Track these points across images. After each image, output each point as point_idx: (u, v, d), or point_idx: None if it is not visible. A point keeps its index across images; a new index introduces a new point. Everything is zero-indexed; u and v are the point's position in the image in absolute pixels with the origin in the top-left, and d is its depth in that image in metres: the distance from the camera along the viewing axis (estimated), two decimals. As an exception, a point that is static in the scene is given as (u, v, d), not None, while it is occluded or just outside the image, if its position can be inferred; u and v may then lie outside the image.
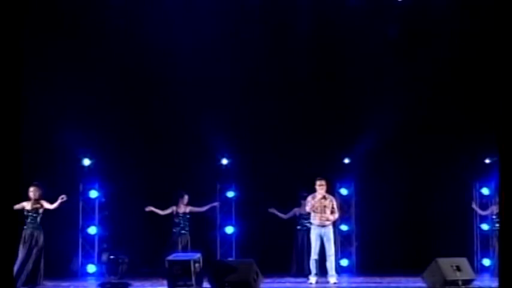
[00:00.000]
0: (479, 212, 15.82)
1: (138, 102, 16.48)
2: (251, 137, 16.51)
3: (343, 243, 16.59)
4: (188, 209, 14.83)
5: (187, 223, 14.76)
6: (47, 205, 12.95)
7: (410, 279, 13.89)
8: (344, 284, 13.67)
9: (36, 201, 12.89)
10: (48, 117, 15.51)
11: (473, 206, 15.69)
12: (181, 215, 14.75)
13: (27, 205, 12.78)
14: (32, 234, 12.66)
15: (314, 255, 13.51)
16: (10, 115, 7.08)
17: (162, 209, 14.78)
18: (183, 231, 14.70)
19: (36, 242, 12.76)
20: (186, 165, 16.16)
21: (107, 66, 16.25)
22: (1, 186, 7.08)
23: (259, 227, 16.16)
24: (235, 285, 12.08)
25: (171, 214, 14.79)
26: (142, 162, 16.22)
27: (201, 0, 16.57)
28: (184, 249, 14.45)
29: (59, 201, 12.95)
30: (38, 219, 12.86)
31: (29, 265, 12.60)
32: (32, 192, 12.79)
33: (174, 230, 14.72)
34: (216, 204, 15.42)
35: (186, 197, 14.82)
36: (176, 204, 14.79)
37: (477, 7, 16.32)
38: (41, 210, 12.89)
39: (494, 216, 15.09)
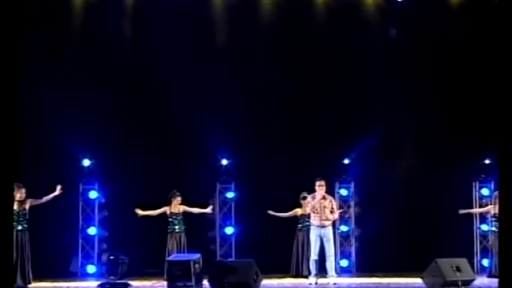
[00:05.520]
0: (473, 211, 15.69)
1: (138, 102, 16.49)
2: (251, 137, 16.50)
3: (342, 243, 16.58)
4: (182, 208, 14.76)
5: (181, 223, 14.70)
6: (35, 202, 12.88)
7: (410, 279, 13.90)
8: (344, 285, 13.66)
9: (20, 202, 12.80)
10: (48, 118, 15.51)
11: (461, 211, 15.28)
12: (174, 215, 14.70)
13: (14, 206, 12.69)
14: (16, 235, 12.57)
15: (314, 255, 13.53)
16: (9, 115, 7.07)
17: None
18: (177, 231, 14.64)
19: (21, 243, 12.72)
20: (186, 166, 16.14)
21: (107, 67, 16.28)
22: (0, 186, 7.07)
23: (259, 227, 16.14)
24: (235, 286, 12.09)
25: (165, 214, 14.73)
26: (142, 163, 16.21)
27: (201, 2, 16.62)
28: (180, 250, 14.43)
29: (54, 193, 12.88)
30: (23, 220, 12.80)
31: (17, 266, 12.58)
32: (15, 193, 12.58)
33: (168, 230, 14.67)
34: (208, 211, 14.98)
35: (178, 197, 14.76)
36: (169, 204, 14.75)
37: (477, 8, 16.36)
38: (25, 210, 12.84)
39: (492, 218, 15.02)
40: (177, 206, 14.71)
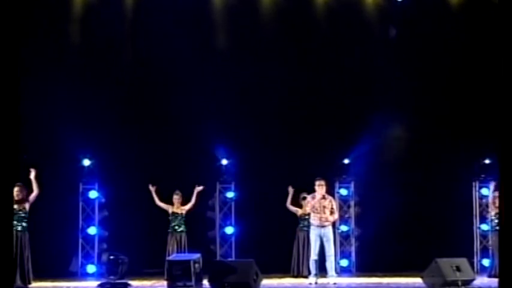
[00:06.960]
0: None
1: (138, 102, 16.49)
2: (251, 137, 16.50)
3: (342, 243, 16.58)
4: (183, 208, 14.76)
5: (182, 223, 14.71)
6: (32, 197, 12.86)
7: (410, 279, 13.90)
8: (344, 285, 13.66)
9: (19, 202, 12.77)
10: (48, 117, 15.52)
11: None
12: (175, 214, 14.71)
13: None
14: (15, 236, 12.55)
15: (314, 255, 13.52)
16: (9, 115, 7.08)
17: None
18: (177, 231, 14.64)
19: (21, 243, 12.72)
20: (186, 166, 16.14)
21: (108, 67, 16.29)
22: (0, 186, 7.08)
23: (259, 227, 16.15)
24: (235, 286, 12.08)
25: (166, 213, 14.75)
26: (142, 163, 16.21)
27: (200, 5, 16.64)
28: (180, 250, 14.43)
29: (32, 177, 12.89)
30: (23, 220, 12.79)
31: (16, 266, 12.58)
32: (15, 193, 12.56)
33: (169, 230, 14.69)
34: (200, 188, 15.01)
35: (180, 198, 14.76)
36: (172, 204, 14.78)
37: (477, 8, 16.37)
38: (25, 210, 12.82)
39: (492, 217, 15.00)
40: (178, 207, 14.74)
